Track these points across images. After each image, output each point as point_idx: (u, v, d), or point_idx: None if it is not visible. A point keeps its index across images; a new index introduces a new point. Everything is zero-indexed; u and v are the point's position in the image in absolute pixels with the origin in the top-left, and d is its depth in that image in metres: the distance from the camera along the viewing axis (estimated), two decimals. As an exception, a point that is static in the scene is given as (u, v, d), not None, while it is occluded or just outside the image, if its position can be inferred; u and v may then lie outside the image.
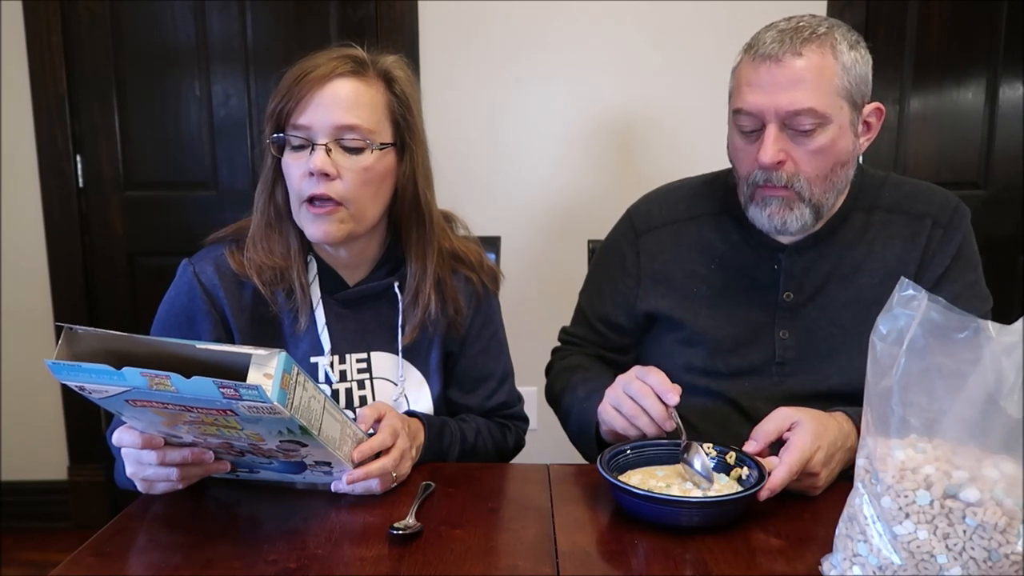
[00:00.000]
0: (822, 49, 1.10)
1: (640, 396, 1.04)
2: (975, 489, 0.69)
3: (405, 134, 1.16)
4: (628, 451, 1.06)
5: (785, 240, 1.22)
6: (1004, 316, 0.79)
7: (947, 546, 0.70)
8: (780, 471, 0.95)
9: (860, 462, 0.78)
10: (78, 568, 0.86)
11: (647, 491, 0.94)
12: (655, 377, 1.04)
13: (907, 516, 0.72)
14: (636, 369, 1.08)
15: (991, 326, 0.70)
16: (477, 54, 2.32)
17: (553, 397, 1.35)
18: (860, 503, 0.76)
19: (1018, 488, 0.69)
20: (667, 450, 1.06)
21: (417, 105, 1.18)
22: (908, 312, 0.73)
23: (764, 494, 0.94)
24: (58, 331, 0.84)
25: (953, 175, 2.37)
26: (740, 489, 0.97)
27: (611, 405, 1.08)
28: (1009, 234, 2.41)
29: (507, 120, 2.35)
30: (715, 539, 0.91)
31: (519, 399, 1.35)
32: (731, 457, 1.02)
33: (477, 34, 2.31)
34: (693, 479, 1.01)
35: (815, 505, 1.00)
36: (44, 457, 2.55)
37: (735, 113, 1.16)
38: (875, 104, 1.18)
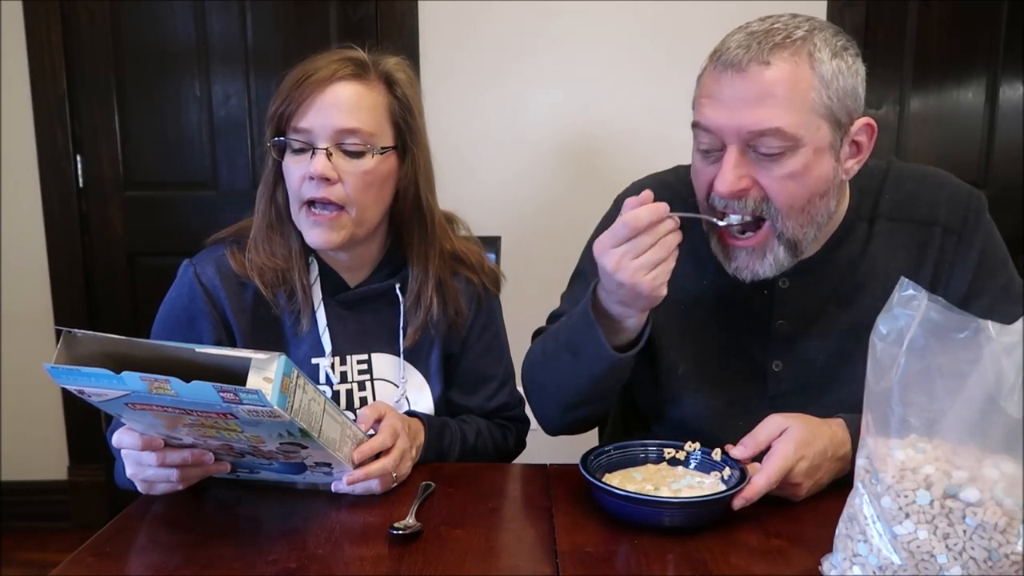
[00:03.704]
0: (796, 57, 0.94)
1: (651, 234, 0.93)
2: (975, 489, 0.69)
3: (406, 137, 1.15)
4: (611, 451, 1.05)
5: None
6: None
7: (947, 546, 0.70)
8: (759, 479, 0.92)
9: (860, 462, 0.78)
10: (78, 568, 0.86)
11: (630, 492, 0.93)
12: (642, 212, 0.92)
13: (907, 516, 0.72)
14: (611, 230, 0.95)
15: (991, 326, 0.69)
16: (477, 54, 2.32)
17: (534, 364, 1.18)
18: (860, 503, 0.76)
19: (1018, 488, 0.69)
20: (649, 450, 1.06)
21: (419, 107, 1.18)
22: (908, 312, 0.73)
23: (738, 503, 0.92)
24: (58, 333, 0.84)
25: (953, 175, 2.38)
26: (723, 489, 0.96)
27: (627, 259, 0.94)
28: (1009, 234, 2.37)
29: (507, 120, 2.35)
30: (715, 539, 0.91)
31: (520, 401, 1.35)
32: (716, 454, 1.02)
33: (477, 34, 2.31)
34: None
35: (815, 505, 1.00)
36: (44, 457, 2.55)
37: (693, 127, 1.02)
38: (865, 120, 1.00)
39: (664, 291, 0.97)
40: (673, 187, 1.17)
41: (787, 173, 0.96)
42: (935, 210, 1.09)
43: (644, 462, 1.05)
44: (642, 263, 0.94)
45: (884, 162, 1.14)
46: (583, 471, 0.97)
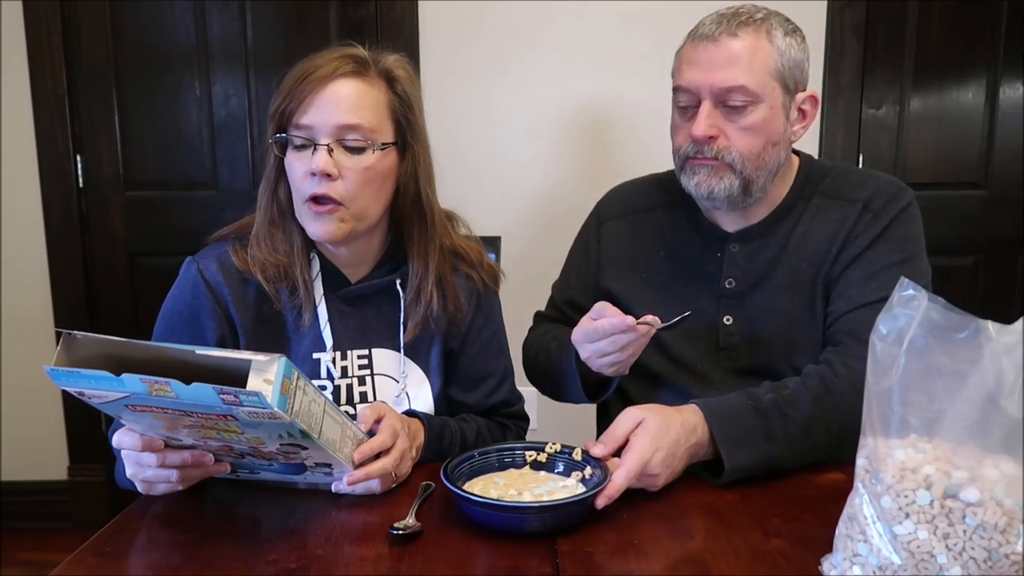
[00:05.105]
0: (758, 32, 1.16)
1: (611, 343, 1.08)
2: (975, 489, 0.69)
3: (407, 133, 1.16)
4: (476, 456, 1.04)
5: (730, 229, 1.27)
6: (1004, 316, 0.79)
7: (947, 546, 0.70)
8: (619, 476, 0.96)
9: (860, 462, 0.78)
10: (78, 568, 0.86)
11: (491, 499, 0.93)
12: (605, 323, 1.07)
13: (907, 516, 0.72)
14: (583, 329, 1.11)
15: (991, 326, 0.70)
16: (477, 54, 2.32)
17: (531, 364, 1.39)
18: (860, 503, 0.76)
19: (1018, 488, 0.69)
20: (516, 454, 1.06)
21: (419, 104, 1.19)
22: (908, 312, 0.73)
23: (601, 501, 0.93)
24: (58, 335, 0.84)
25: (953, 175, 2.37)
26: (583, 489, 0.96)
27: (595, 357, 1.12)
28: (1009, 234, 2.40)
29: (507, 119, 2.35)
30: (715, 539, 0.91)
31: (519, 398, 1.36)
32: (577, 454, 1.02)
33: (477, 34, 2.31)
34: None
35: (815, 505, 1.00)
36: (44, 457, 2.55)
37: (674, 91, 1.21)
38: (810, 92, 1.22)
39: (626, 371, 1.16)
40: (645, 189, 1.40)
41: (748, 124, 1.17)
42: (864, 193, 1.24)
43: (508, 466, 1.05)
44: (605, 361, 1.12)
45: (837, 162, 1.33)
46: (444, 479, 0.95)
